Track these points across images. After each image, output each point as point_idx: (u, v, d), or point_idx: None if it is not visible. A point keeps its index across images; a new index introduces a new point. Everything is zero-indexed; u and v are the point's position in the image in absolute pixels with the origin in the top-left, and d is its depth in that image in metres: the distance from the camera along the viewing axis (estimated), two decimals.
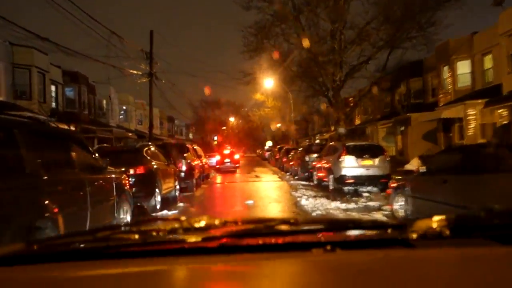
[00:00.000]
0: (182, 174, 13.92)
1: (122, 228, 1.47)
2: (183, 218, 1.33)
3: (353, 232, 1.35)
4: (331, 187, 13.41)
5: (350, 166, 12.67)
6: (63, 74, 27.52)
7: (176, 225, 1.26)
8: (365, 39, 20.65)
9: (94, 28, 17.91)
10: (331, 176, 13.36)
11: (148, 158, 9.84)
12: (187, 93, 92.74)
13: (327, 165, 13.86)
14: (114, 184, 6.13)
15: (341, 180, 12.75)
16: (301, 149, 20.79)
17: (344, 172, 12.65)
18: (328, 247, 1.11)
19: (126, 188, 6.81)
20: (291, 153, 24.05)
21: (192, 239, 1.16)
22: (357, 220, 1.90)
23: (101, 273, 1.02)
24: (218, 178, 22.55)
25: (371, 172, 12.64)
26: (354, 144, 13.48)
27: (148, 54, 20.96)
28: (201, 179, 17.54)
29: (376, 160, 12.74)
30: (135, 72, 19.47)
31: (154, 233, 1.24)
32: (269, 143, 63.34)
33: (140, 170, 9.15)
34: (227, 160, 28.81)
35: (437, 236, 1.17)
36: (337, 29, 21.76)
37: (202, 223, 1.26)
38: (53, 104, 26.38)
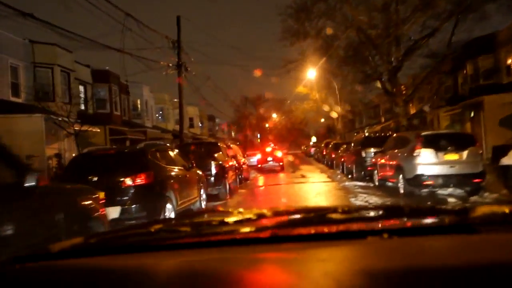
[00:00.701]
0: (212, 179, 11.36)
1: (175, 221, 1.49)
2: (234, 210, 1.39)
3: (412, 219, 1.26)
4: (401, 191, 10.30)
5: (429, 162, 9.48)
6: (93, 74, 25.87)
7: (228, 216, 1.30)
8: (430, 5, 16.93)
9: (108, 12, 15.75)
10: (401, 176, 10.25)
11: (156, 162, 7.26)
12: (224, 88, 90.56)
13: (394, 162, 10.74)
14: (60, 214, 3.54)
15: (416, 181, 9.60)
16: (354, 143, 17.58)
17: (421, 170, 9.49)
18: (385, 235, 1.07)
19: (95, 214, 4.21)
20: (341, 149, 20.94)
21: (244, 229, 1.17)
22: (414, 206, 1.55)
23: (155, 264, 1.00)
24: (259, 180, 19.85)
25: (457, 169, 9.40)
26: (433, 133, 10.22)
27: (175, 44, 18.61)
28: (237, 183, 14.91)
29: (464, 154, 9.46)
30: (159, 62, 17.13)
31: (206, 225, 1.28)
32: (313, 139, 60.58)
33: (142, 179, 6.58)
34: (269, 158, 25.99)
35: (502, 221, 1.13)
36: (392, 1, 18.37)
37: (253, 214, 1.27)
38: (82, 105, 24.83)
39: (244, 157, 21.63)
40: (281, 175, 21.94)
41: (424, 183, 9.51)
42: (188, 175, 8.55)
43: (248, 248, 1.07)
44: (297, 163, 33.40)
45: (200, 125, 52.78)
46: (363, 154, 15.00)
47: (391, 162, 11.07)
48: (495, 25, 19.77)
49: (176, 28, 18.83)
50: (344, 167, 18.58)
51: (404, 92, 22.98)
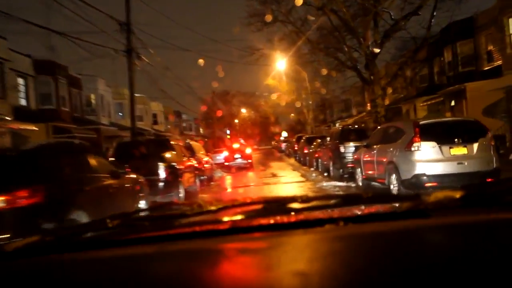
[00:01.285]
0: (161, 184, 9.08)
1: (134, 215, 1.43)
2: (194, 202, 1.39)
3: (368, 206, 1.29)
4: (394, 193, 8.34)
5: (431, 159, 7.53)
6: (35, 64, 22.83)
7: (188, 209, 1.28)
8: None
9: None
10: (394, 176, 8.29)
11: (56, 170, 4.92)
12: (192, 82, 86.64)
13: (385, 159, 8.77)
14: None
15: (415, 182, 7.63)
16: (331, 136, 15.61)
17: (421, 169, 7.52)
18: (341, 223, 1.09)
19: None
20: (315, 143, 18.98)
21: (204, 222, 1.17)
22: (371, 194, 1.39)
23: (114, 259, 0.99)
24: (226, 181, 17.67)
25: (466, 167, 7.48)
26: (433, 121, 8.24)
27: (123, 26, 16.04)
28: (197, 187, 12.65)
29: (475, 147, 7.57)
30: (105, 47, 14.56)
31: (166, 218, 1.27)
32: (284, 134, 58.99)
33: (25, 197, 4.23)
34: (237, 155, 23.81)
35: (453, 205, 1.17)
36: None
37: (213, 206, 1.26)
38: (23, 101, 21.89)
39: (209, 155, 19.37)
40: (250, 174, 19.85)
41: (426, 184, 7.55)
42: (116, 184, 6.24)
43: (207, 240, 1.06)
44: (268, 159, 31.37)
45: (166, 121, 50.00)
46: (342, 149, 13.04)
47: (380, 159, 9.08)
48: (474, 7, 18.26)
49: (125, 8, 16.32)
50: (319, 164, 16.61)
51: (381, 80, 21.29)
